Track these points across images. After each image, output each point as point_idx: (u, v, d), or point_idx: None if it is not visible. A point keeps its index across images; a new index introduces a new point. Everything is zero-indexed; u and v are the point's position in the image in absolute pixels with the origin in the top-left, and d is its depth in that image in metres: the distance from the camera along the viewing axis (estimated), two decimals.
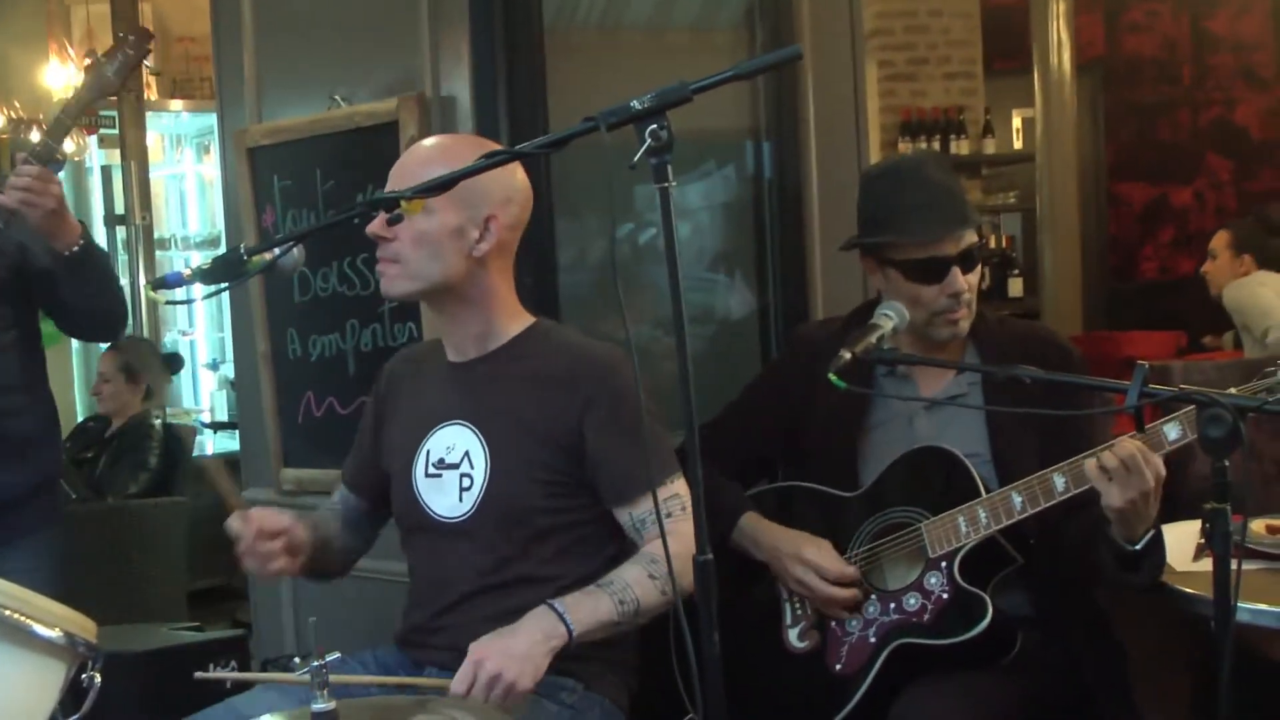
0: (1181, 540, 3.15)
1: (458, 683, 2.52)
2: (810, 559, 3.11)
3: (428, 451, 2.90)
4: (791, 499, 3.33)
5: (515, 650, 2.54)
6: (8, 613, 2.33)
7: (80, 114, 3.46)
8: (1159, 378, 2.39)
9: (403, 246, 2.76)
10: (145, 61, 3.58)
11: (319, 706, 2.02)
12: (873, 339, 2.80)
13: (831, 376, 2.69)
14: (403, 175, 2.77)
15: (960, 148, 10.39)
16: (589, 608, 2.63)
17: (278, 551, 2.81)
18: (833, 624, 3.15)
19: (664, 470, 2.76)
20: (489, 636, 2.58)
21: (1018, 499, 2.92)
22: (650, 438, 2.71)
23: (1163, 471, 2.72)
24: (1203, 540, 2.97)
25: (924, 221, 3.10)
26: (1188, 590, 2.90)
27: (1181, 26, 11.71)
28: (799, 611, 3.20)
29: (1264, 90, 11.71)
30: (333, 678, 2.13)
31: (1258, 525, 3.14)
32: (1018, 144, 11.18)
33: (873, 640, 3.08)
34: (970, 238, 3.14)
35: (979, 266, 3.18)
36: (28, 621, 2.34)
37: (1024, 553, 3.05)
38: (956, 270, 3.09)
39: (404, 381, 3.06)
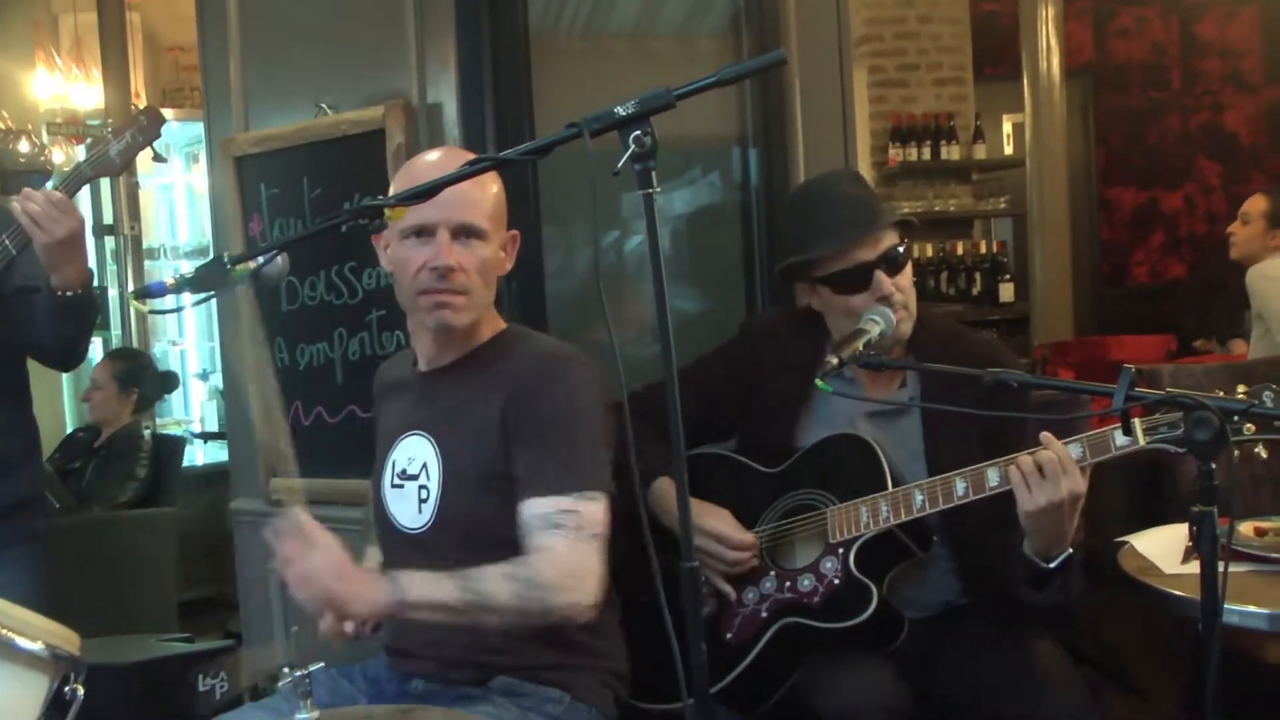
0: (1170, 543, 3.16)
1: (292, 529, 2.55)
2: (710, 528, 3.19)
3: (393, 462, 2.91)
4: (715, 467, 3.40)
5: (346, 569, 2.55)
6: None
7: (78, 189, 3.38)
8: (1148, 382, 2.40)
9: (472, 278, 2.75)
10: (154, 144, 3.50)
11: (302, 717, 2.00)
12: (859, 344, 2.85)
13: (818, 382, 2.74)
14: (471, 199, 2.76)
15: (951, 153, 10.38)
16: (430, 584, 2.56)
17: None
18: (730, 594, 3.24)
19: (575, 482, 2.67)
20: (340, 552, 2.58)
21: (919, 497, 2.99)
22: (571, 443, 2.70)
23: (1080, 488, 2.74)
24: (1190, 543, 2.97)
25: (833, 233, 3.16)
26: (1176, 592, 2.91)
27: (1170, 31, 11.73)
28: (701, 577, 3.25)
29: (1252, 94, 11.73)
30: None
31: (1245, 528, 3.15)
32: (1008, 149, 11.18)
33: (764, 615, 3.19)
34: (889, 240, 3.17)
35: (907, 267, 3.20)
36: (9, 634, 2.33)
37: (925, 548, 3.12)
38: (880, 274, 3.14)
39: (384, 392, 3.09)
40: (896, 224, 3.20)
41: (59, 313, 3.42)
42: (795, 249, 3.26)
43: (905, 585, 3.17)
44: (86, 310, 3.46)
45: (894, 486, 3.05)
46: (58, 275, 3.35)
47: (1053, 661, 3.02)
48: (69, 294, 3.37)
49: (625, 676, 2.94)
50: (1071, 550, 2.85)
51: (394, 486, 2.89)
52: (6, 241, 3.33)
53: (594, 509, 2.66)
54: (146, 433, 6.62)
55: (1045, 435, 2.76)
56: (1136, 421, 2.70)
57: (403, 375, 3.01)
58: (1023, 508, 2.76)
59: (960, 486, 2.91)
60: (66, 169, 3.47)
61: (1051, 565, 2.85)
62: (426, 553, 2.79)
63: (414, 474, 2.85)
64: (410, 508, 2.85)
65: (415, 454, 2.86)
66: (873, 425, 3.22)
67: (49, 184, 3.33)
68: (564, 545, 2.61)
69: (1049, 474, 2.72)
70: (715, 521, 3.21)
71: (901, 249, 3.18)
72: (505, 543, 2.72)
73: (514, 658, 2.69)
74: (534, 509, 2.66)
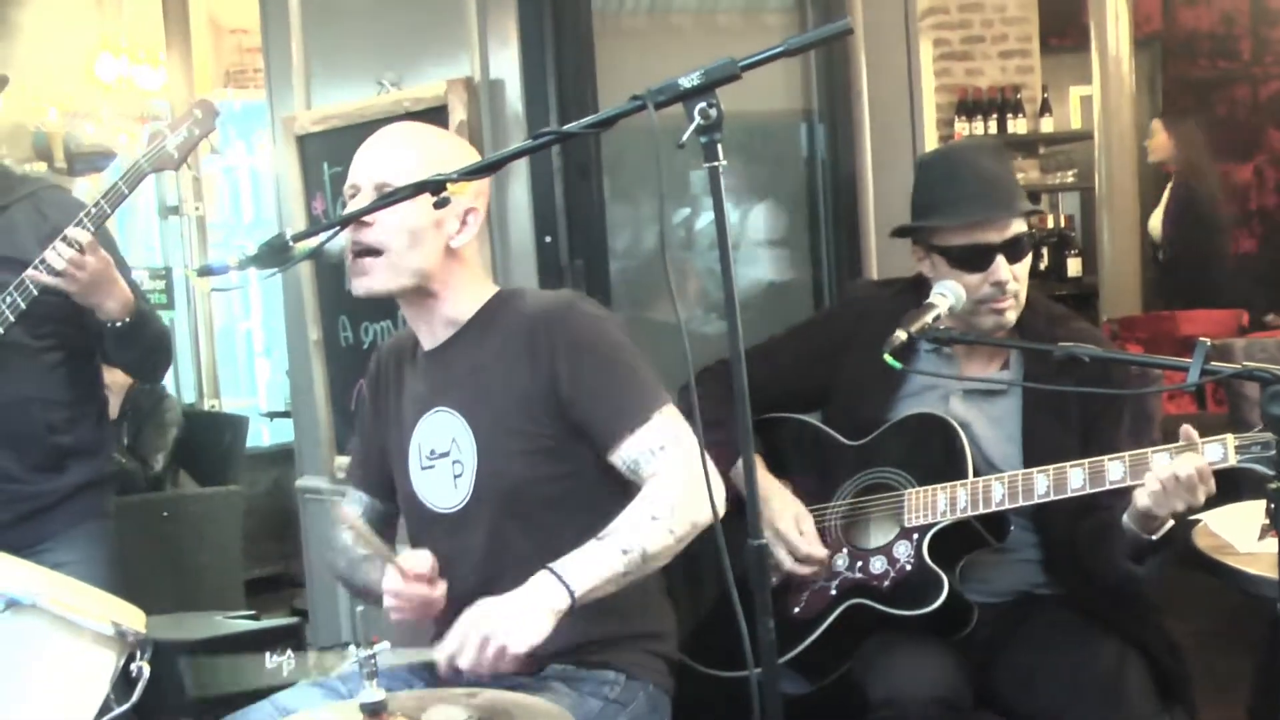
0: (1246, 521, 3.10)
1: (447, 644, 2.49)
2: (784, 532, 3.15)
3: (419, 444, 2.85)
4: (798, 433, 3.37)
5: (510, 611, 2.48)
6: (57, 605, 2.33)
7: (138, 184, 3.41)
8: (1221, 356, 2.35)
9: (386, 236, 2.70)
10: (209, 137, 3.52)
11: (368, 697, 1.99)
12: (929, 319, 2.81)
13: (887, 357, 2.70)
14: (372, 161, 2.78)
15: (1017, 127, 10.28)
16: (591, 565, 2.53)
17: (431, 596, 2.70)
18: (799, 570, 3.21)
19: (648, 404, 2.67)
20: (486, 601, 2.53)
21: (999, 490, 2.93)
22: (626, 372, 2.70)
23: (1213, 489, 2.67)
24: (1267, 520, 2.91)
25: (968, 207, 3.09)
26: (1251, 571, 2.86)
27: (1239, 0, 11.56)
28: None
29: None
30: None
31: None
32: (1075, 122, 11.05)
33: (833, 593, 3.15)
34: (1018, 227, 3.10)
35: (1028, 257, 3.12)
36: (77, 613, 2.34)
37: (1000, 538, 3.06)
38: (1001, 259, 3.06)
39: (390, 374, 3.00)
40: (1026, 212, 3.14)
41: (113, 341, 3.49)
42: (922, 211, 3.19)
43: (980, 569, 3.12)
44: (139, 336, 3.51)
45: (976, 475, 2.99)
46: (100, 311, 3.39)
47: (1125, 667, 2.96)
48: (117, 324, 3.42)
49: (670, 635, 2.91)
50: (1173, 521, 2.77)
51: (425, 468, 2.84)
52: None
53: (673, 413, 2.69)
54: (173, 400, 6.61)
55: (1185, 429, 2.68)
56: (1230, 438, 2.65)
57: (409, 353, 2.96)
58: (1146, 504, 2.70)
59: (1042, 485, 2.85)
60: (126, 163, 3.48)
61: (1155, 538, 2.78)
62: (465, 529, 2.77)
63: (445, 451, 2.80)
64: (443, 487, 2.80)
65: (443, 431, 2.81)
66: (968, 404, 3.16)
67: (112, 174, 3.35)
68: (677, 462, 2.62)
69: (1187, 487, 2.64)
70: (789, 526, 3.16)
71: (1027, 239, 3.11)
72: (546, 502, 2.73)
73: (562, 641, 2.60)
74: (631, 449, 2.67)
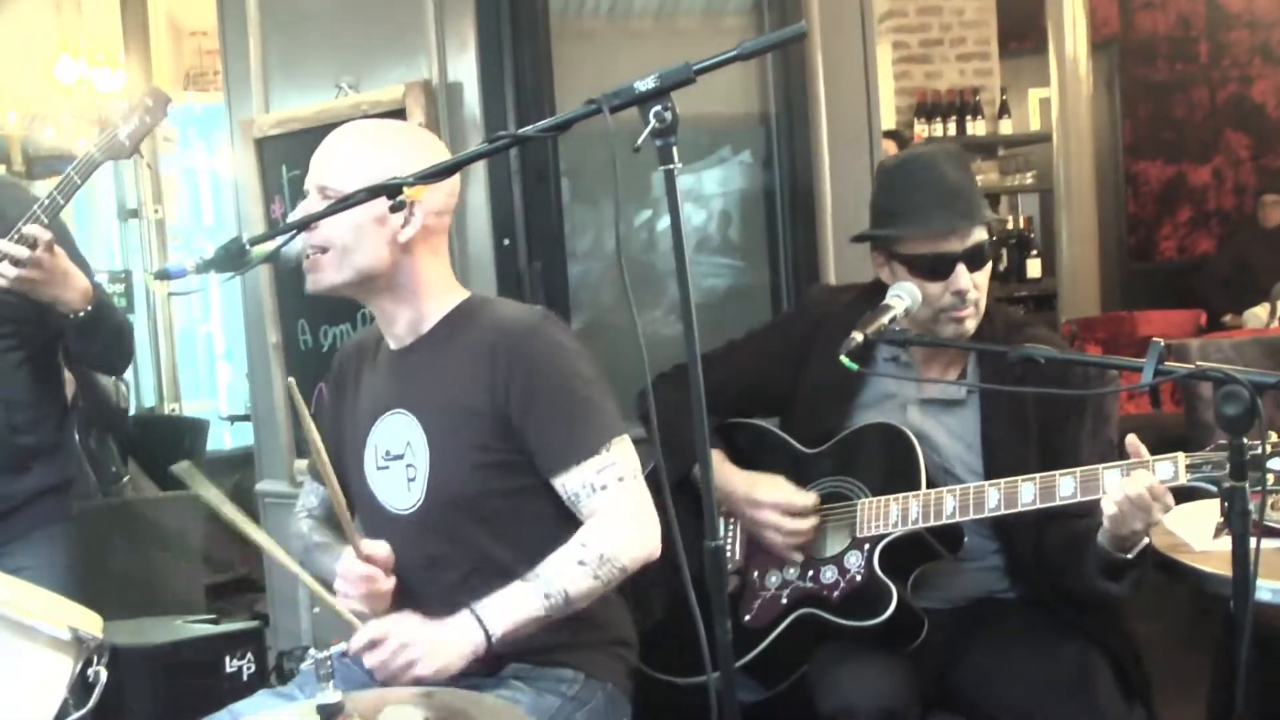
0: (1200, 519, 3.13)
1: (369, 630, 2.56)
2: (768, 499, 3.16)
3: (375, 444, 2.85)
4: (756, 439, 3.38)
5: (432, 635, 2.54)
6: (12, 609, 2.32)
7: (90, 174, 3.39)
8: (1177, 356, 2.37)
9: (329, 235, 2.70)
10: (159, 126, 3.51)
11: (324, 698, 1.99)
12: (884, 320, 2.81)
13: (843, 359, 2.70)
14: (316, 164, 2.79)
15: (976, 129, 10.35)
16: (513, 607, 2.57)
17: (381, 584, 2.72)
18: (754, 575, 3.23)
19: (601, 436, 2.67)
20: (414, 620, 2.58)
21: (950, 504, 2.93)
22: (579, 403, 2.69)
23: (1170, 505, 2.68)
24: (1222, 519, 2.94)
25: (930, 216, 3.07)
26: (1207, 569, 2.88)
27: (1196, 3, 11.64)
28: (726, 555, 3.25)
29: None
30: None
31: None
32: (1034, 124, 11.12)
33: (784, 602, 3.16)
34: (979, 235, 3.09)
35: (988, 266, 3.12)
36: (32, 618, 2.33)
37: (953, 550, 3.06)
38: (962, 267, 3.05)
39: (351, 371, 2.99)
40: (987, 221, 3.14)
41: (84, 333, 3.45)
42: (884, 219, 3.16)
43: (938, 576, 3.13)
44: (100, 327, 3.47)
45: (932, 486, 2.99)
46: (59, 304, 3.36)
47: (1090, 666, 2.97)
48: (79, 315, 3.38)
49: (633, 643, 2.92)
50: (1149, 539, 2.79)
51: (380, 468, 2.83)
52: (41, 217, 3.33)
53: (624, 449, 2.68)
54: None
55: (1132, 442, 2.70)
56: (1180, 456, 2.66)
57: (373, 352, 2.95)
58: (1106, 524, 2.73)
59: (993, 499, 2.86)
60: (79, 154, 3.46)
61: (1130, 556, 2.78)
62: (420, 532, 2.77)
63: (399, 454, 2.80)
64: (398, 488, 2.80)
65: (399, 433, 2.80)
66: (926, 413, 3.16)
67: (70, 170, 3.33)
68: (616, 502, 2.64)
69: (1140, 507, 2.65)
70: (770, 490, 3.17)
71: (988, 247, 3.11)
72: (500, 514, 2.73)
73: (523, 643, 2.64)
74: (574, 480, 2.67)
